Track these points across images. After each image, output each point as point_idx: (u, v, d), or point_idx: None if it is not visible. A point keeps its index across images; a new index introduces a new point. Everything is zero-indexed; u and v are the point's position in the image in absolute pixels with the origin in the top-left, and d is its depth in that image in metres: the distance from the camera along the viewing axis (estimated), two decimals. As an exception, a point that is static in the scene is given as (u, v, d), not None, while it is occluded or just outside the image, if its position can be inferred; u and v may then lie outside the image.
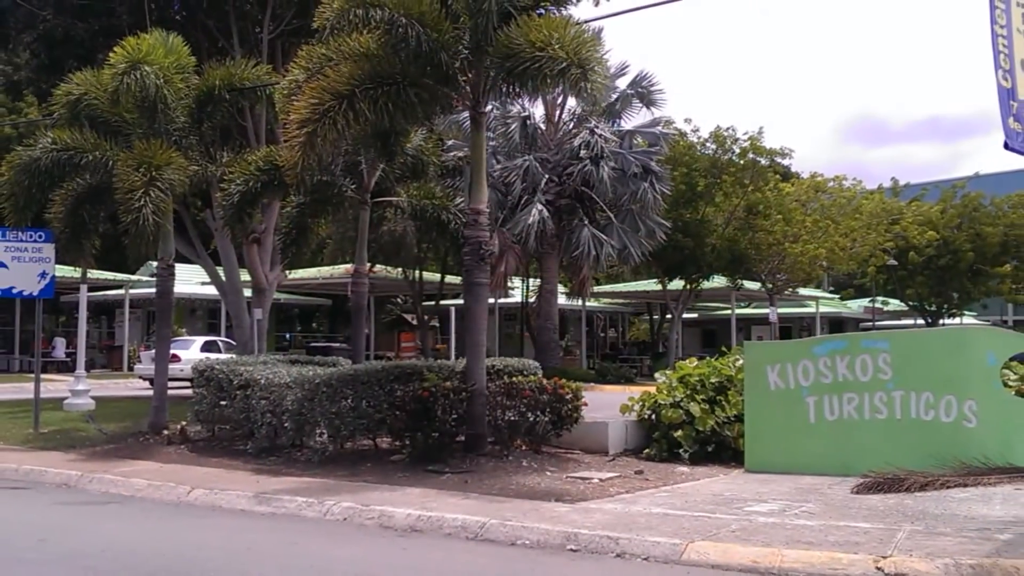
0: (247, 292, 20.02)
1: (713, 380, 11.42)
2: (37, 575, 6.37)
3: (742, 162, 29.61)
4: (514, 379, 11.00)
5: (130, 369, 30.49)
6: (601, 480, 9.48)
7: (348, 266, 25.76)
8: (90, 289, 24.96)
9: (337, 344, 31.50)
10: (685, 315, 36.04)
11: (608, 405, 12.48)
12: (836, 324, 43.24)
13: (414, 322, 35.97)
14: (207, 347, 24.42)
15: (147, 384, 21.64)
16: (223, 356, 17.39)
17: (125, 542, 7.46)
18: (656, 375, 13.06)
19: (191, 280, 31.55)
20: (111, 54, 12.77)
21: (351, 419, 10.64)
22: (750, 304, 40.83)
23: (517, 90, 11.23)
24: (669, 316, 35.02)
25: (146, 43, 12.84)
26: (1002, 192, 38.69)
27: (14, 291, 14.34)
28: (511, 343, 35.77)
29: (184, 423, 12.92)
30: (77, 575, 6.36)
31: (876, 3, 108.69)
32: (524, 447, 10.91)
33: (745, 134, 29.57)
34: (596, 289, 35.01)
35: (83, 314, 19.25)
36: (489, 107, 14.09)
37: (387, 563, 6.70)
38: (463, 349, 12.74)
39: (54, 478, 10.58)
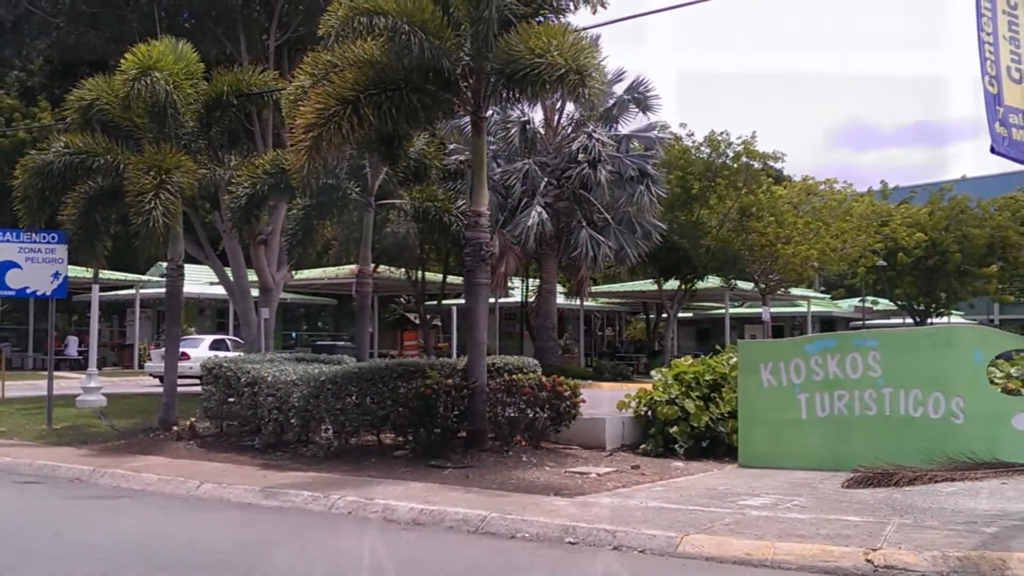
0: (254, 292, 20.16)
1: (707, 378, 11.60)
2: (51, 567, 6.45)
3: (735, 165, 29.71)
4: (514, 377, 11.16)
5: (140, 367, 30.74)
6: (599, 475, 9.61)
7: (352, 267, 25.82)
8: (102, 289, 25.15)
9: (342, 343, 31.53)
10: (680, 314, 36.31)
11: (605, 402, 12.59)
12: (827, 323, 43.56)
13: (417, 321, 36.05)
14: (215, 345, 24.61)
15: (157, 381, 21.74)
16: (231, 354, 17.55)
17: (136, 535, 7.62)
18: (652, 373, 13.16)
19: (200, 280, 31.83)
20: (122, 61, 12.91)
21: (355, 415, 10.82)
22: (743, 304, 41.01)
23: (517, 95, 11.40)
24: (665, 315, 35.23)
25: (156, 50, 12.99)
26: (988, 195, 38.77)
27: (28, 291, 14.59)
28: (511, 342, 35.89)
29: (193, 419, 13.10)
30: (89, 567, 6.48)
31: (866, 10, 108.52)
32: (524, 443, 11.07)
33: (738, 138, 29.74)
34: (594, 289, 35.14)
35: (95, 313, 19.46)
36: (490, 112, 14.17)
37: (390, 556, 6.84)
38: (464, 347, 12.89)
39: (67, 473, 10.75)
